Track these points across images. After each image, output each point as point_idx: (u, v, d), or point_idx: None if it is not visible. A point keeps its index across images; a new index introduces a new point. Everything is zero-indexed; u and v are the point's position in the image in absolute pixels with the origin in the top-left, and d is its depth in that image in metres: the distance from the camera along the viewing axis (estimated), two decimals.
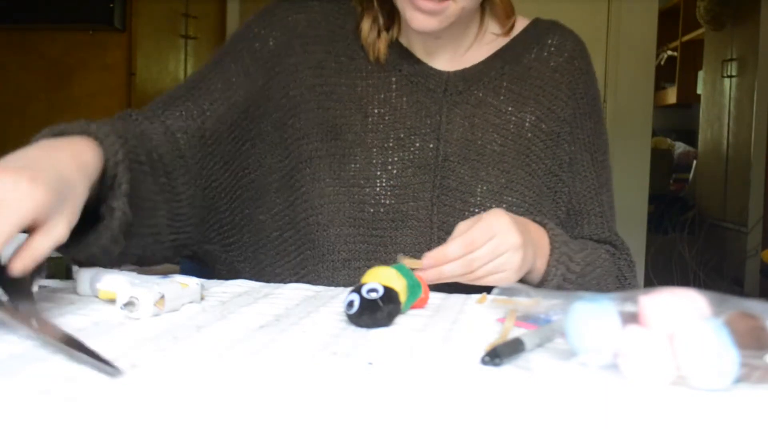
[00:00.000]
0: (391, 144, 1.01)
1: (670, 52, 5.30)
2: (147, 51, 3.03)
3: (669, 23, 4.77)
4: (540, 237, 0.94)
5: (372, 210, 1.00)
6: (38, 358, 0.55)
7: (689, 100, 5.14)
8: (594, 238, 1.06)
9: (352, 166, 1.00)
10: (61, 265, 0.83)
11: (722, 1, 4.18)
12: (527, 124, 1.04)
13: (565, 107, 1.06)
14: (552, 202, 1.05)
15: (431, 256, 0.83)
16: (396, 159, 1.01)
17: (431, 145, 1.02)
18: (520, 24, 1.10)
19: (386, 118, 1.03)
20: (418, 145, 1.02)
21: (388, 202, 0.99)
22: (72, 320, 0.66)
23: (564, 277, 0.94)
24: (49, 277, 0.81)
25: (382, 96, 1.04)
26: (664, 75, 5.21)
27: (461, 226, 0.87)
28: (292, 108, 1.03)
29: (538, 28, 1.10)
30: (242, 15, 3.77)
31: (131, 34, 2.92)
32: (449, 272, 0.84)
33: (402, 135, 1.02)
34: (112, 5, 2.82)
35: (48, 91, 2.94)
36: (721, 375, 0.51)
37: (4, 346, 0.57)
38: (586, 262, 0.97)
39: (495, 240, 0.84)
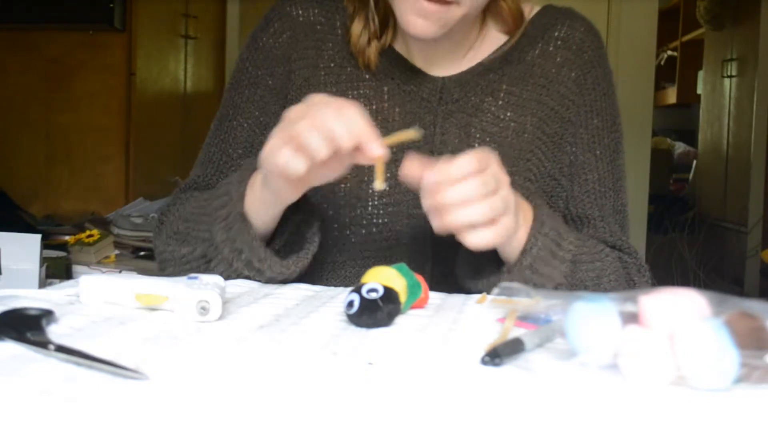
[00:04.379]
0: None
1: (670, 52, 5.31)
2: (147, 51, 3.03)
3: (669, 23, 4.77)
4: (527, 208, 0.88)
5: (364, 231, 0.96)
6: (38, 358, 0.54)
7: (689, 100, 5.15)
8: None
9: (342, 186, 0.97)
10: (61, 264, 0.83)
11: (722, 1, 4.18)
12: (528, 127, 1.00)
13: (571, 106, 1.01)
14: (548, 206, 0.98)
15: (435, 168, 0.77)
16: (388, 175, 0.94)
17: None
18: (528, 13, 1.03)
19: (378, 131, 0.97)
20: None
21: (381, 221, 0.96)
22: (71, 320, 0.66)
23: (552, 253, 0.87)
24: (49, 276, 0.81)
25: (374, 107, 1.00)
26: (664, 75, 5.22)
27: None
28: None
29: (546, 18, 1.03)
30: (242, 15, 3.77)
31: (131, 34, 2.92)
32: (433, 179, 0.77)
33: (394, 149, 0.96)
34: (112, 5, 2.82)
35: (48, 91, 2.94)
36: (721, 375, 0.51)
37: (4, 346, 0.57)
38: (582, 250, 0.91)
39: (491, 169, 0.77)
